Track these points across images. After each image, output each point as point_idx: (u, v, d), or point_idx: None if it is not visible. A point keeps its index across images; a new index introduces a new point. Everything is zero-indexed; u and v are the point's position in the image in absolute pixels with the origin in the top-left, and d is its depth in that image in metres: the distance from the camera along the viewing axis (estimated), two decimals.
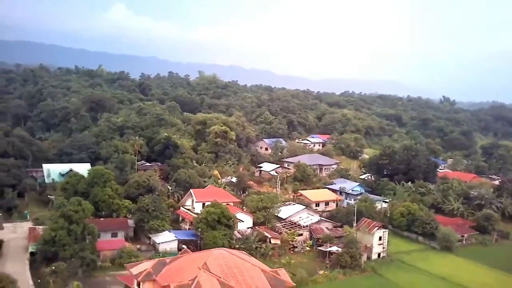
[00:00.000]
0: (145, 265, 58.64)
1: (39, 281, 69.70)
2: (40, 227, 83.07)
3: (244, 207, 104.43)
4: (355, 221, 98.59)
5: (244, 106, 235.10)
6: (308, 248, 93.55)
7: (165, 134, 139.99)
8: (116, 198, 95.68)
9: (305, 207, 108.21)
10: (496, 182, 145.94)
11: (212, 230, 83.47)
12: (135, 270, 58.13)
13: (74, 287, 59.22)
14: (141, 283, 56.28)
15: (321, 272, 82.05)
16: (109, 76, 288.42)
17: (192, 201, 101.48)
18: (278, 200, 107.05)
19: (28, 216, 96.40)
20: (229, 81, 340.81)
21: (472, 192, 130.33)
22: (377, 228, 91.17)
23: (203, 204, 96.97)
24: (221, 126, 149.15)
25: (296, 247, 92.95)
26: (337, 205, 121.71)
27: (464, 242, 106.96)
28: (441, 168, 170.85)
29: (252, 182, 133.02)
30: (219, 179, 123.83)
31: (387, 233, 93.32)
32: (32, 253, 77.75)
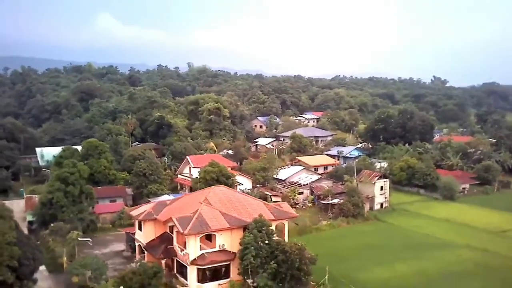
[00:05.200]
0: (145, 207, 57.53)
1: (38, 242, 68.33)
2: (37, 195, 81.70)
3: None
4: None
5: (235, 91, 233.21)
6: (309, 204, 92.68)
7: (158, 114, 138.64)
8: (112, 169, 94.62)
9: (303, 167, 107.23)
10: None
11: None
12: (135, 212, 57.01)
13: (74, 236, 57.81)
14: (142, 222, 55.12)
15: (324, 222, 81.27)
16: (97, 71, 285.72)
17: (190, 168, 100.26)
18: (276, 162, 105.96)
19: (24, 194, 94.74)
20: (219, 70, 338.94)
21: (470, 149, 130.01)
22: (378, 177, 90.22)
23: None
24: (214, 104, 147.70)
25: (298, 203, 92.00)
26: None
27: (465, 192, 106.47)
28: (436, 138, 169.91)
29: (249, 156, 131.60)
30: (215, 151, 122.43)
31: (388, 183, 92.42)
32: (30, 222, 76.54)
